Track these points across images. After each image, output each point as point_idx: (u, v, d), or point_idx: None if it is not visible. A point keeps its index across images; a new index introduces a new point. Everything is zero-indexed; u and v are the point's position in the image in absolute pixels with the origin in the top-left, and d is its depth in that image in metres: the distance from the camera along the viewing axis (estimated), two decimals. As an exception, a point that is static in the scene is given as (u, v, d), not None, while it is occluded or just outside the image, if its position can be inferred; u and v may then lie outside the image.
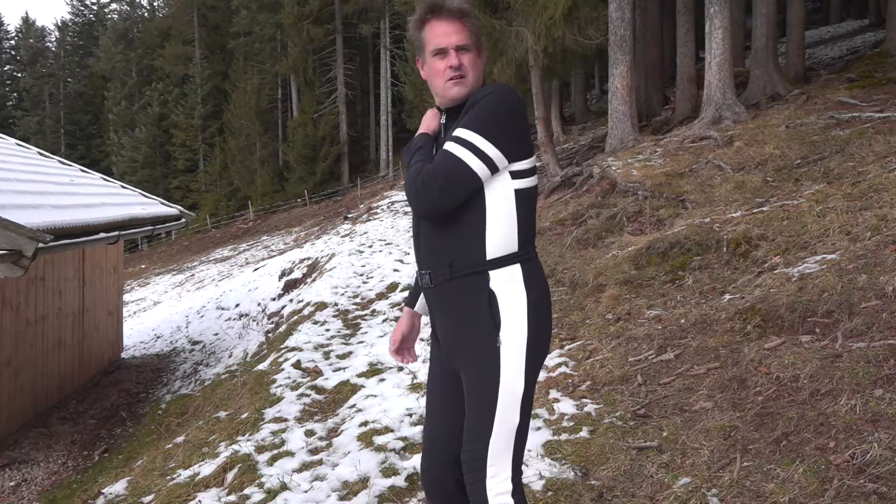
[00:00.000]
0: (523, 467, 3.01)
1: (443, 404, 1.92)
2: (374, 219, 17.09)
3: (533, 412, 3.58)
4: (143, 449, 5.35)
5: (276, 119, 38.69)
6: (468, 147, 1.67)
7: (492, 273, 1.72)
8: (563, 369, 4.14)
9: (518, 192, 1.73)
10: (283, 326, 7.85)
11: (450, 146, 1.69)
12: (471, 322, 1.74)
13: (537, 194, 1.83)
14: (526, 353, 1.70)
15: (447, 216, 1.72)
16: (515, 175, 1.73)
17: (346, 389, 4.71)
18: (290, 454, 3.71)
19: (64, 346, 7.31)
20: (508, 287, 1.72)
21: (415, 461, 3.34)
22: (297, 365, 5.40)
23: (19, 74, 54.36)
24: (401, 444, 3.57)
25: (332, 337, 6.26)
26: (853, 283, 3.76)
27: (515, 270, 1.73)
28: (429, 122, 1.89)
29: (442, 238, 1.76)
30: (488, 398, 1.71)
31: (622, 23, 10.78)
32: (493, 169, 1.69)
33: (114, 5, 52.60)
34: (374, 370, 4.99)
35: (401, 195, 20.07)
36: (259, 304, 10.09)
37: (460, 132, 1.69)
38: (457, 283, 1.75)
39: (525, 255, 1.75)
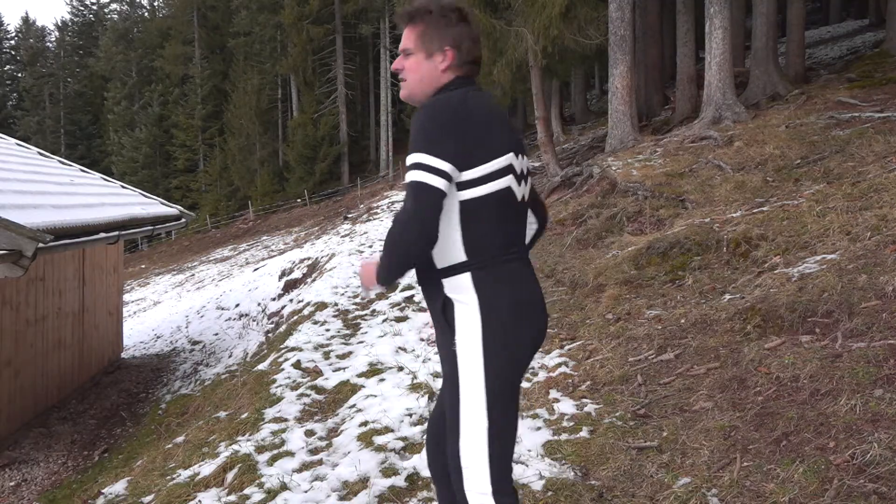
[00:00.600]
0: (523, 468, 3.02)
1: (441, 401, 1.98)
2: (374, 219, 17.11)
3: (533, 412, 3.60)
4: (143, 449, 5.35)
5: (276, 119, 38.70)
6: (422, 168, 1.65)
7: (444, 281, 1.76)
8: (563, 369, 4.14)
9: (464, 203, 1.71)
10: (283, 326, 7.85)
11: (408, 176, 1.68)
12: (436, 325, 1.84)
13: (503, 199, 1.75)
14: (484, 360, 1.70)
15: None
16: (462, 186, 1.70)
17: (346, 389, 4.70)
18: (290, 454, 3.71)
19: (64, 346, 7.31)
20: (459, 295, 1.74)
21: (415, 461, 3.34)
22: (297, 365, 5.40)
23: (19, 74, 54.36)
24: (401, 444, 3.57)
25: (332, 337, 6.26)
26: (853, 283, 3.75)
27: (464, 279, 1.73)
28: None
29: None
30: (453, 399, 1.76)
31: (622, 23, 10.78)
32: (450, 180, 1.66)
33: (114, 5, 52.67)
34: (374, 370, 4.98)
35: (400, 195, 20.08)
36: (259, 304, 10.09)
37: (409, 158, 1.70)
38: (423, 289, 1.84)
39: (476, 263, 1.72)
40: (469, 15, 1.84)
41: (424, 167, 1.64)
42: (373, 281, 1.79)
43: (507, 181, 1.75)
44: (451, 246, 1.73)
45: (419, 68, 1.81)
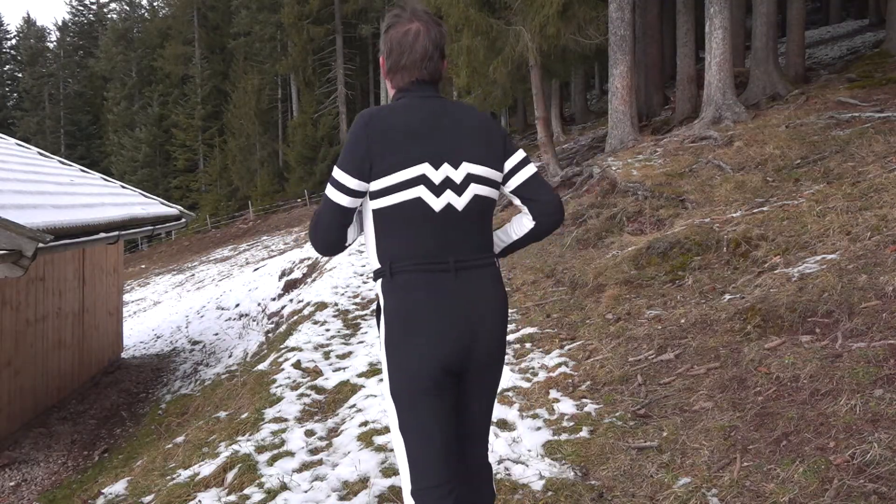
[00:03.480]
0: (523, 467, 3.02)
1: None
2: (374, 219, 17.07)
3: (533, 412, 3.60)
4: (143, 449, 5.35)
5: (276, 119, 38.72)
6: (331, 182, 1.77)
7: (375, 283, 1.87)
8: (563, 369, 4.14)
9: (375, 213, 1.78)
10: (283, 326, 7.85)
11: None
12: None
13: (411, 210, 1.75)
14: (387, 362, 1.80)
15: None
16: (373, 196, 1.77)
17: (346, 389, 4.70)
18: (290, 454, 3.71)
19: (64, 346, 7.31)
20: (380, 298, 1.84)
21: (415, 461, 3.34)
22: (297, 365, 5.40)
23: (19, 74, 54.36)
24: (401, 444, 3.57)
25: (332, 337, 6.26)
26: (853, 283, 3.75)
27: (379, 285, 1.83)
28: None
29: None
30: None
31: (622, 23, 10.78)
32: (357, 195, 1.75)
33: (114, 5, 52.65)
34: (374, 370, 4.98)
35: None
36: (259, 304, 10.10)
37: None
38: None
39: (385, 271, 1.78)
40: (399, 23, 1.82)
41: (333, 181, 1.76)
42: None
43: (415, 192, 1.74)
44: (371, 252, 1.84)
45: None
